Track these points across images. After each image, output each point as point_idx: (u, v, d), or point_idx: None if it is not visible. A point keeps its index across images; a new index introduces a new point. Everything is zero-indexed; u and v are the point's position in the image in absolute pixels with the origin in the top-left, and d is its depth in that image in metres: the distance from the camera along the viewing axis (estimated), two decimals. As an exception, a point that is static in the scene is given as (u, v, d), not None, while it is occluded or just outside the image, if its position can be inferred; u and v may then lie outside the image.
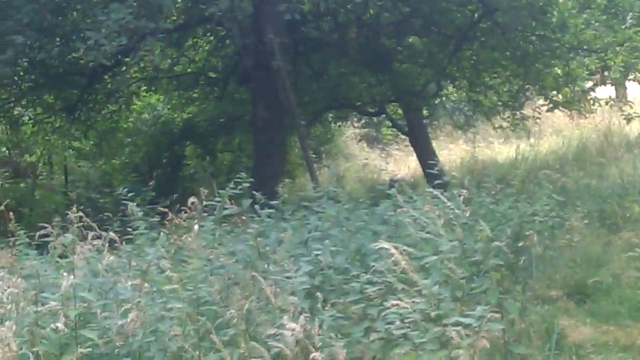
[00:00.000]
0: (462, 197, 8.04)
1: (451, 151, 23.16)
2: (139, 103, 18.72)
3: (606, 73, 24.91)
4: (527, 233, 6.67)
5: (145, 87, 17.44)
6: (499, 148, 23.02)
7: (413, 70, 15.63)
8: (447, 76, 16.10)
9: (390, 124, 21.13)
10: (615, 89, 26.90)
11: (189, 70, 17.00)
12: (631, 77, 19.37)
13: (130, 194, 7.87)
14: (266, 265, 6.39)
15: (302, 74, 17.11)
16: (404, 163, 24.10)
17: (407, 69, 15.83)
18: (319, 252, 6.54)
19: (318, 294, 5.47)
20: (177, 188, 20.44)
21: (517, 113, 16.41)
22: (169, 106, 18.60)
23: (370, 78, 16.79)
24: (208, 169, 19.76)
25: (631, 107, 16.10)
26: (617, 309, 7.93)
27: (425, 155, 19.16)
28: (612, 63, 15.73)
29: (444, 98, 18.26)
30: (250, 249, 6.53)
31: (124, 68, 15.25)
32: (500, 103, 16.23)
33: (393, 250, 5.85)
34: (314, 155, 25.85)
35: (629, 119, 15.95)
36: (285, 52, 14.02)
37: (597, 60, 15.54)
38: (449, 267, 6.14)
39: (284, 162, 14.21)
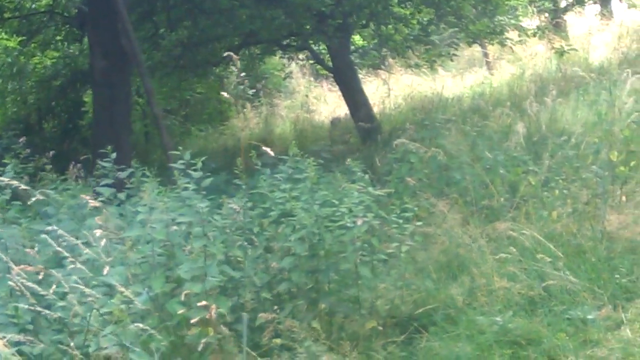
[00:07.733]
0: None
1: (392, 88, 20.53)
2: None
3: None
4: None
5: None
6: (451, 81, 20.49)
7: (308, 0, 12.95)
8: (351, 6, 13.40)
9: (313, 60, 18.52)
10: (600, 7, 24.59)
11: (43, 10, 14.19)
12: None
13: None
14: None
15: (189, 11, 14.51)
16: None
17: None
18: None
19: None
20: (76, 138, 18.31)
21: (431, 47, 13.65)
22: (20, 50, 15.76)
23: (265, 12, 14.11)
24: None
25: (562, 39, 13.25)
26: (458, 352, 5.47)
27: (351, 94, 16.66)
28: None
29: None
30: None
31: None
32: (411, 37, 13.43)
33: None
34: (250, 92, 23.14)
35: (560, 53, 13.09)
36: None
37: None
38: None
39: (128, 123, 11.64)
